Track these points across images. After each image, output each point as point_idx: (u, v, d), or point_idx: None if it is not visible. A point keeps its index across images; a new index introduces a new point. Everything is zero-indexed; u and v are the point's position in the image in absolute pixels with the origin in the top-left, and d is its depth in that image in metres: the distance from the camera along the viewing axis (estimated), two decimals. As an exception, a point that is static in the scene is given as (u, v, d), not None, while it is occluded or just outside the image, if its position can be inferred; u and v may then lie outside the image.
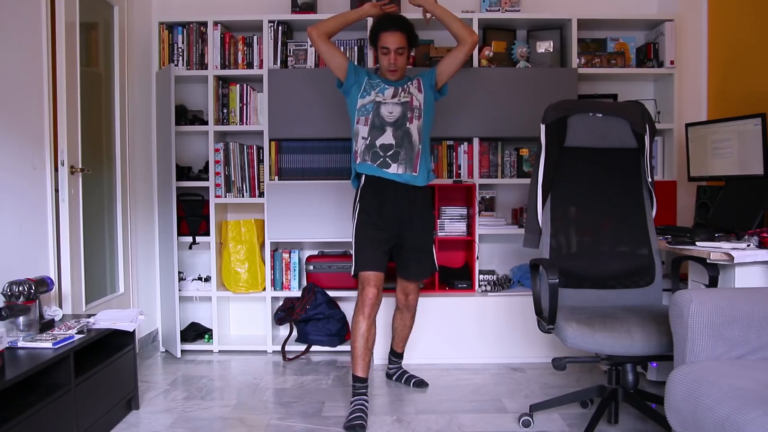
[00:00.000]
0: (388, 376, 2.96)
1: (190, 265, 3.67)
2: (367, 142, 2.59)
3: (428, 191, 2.72)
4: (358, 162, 2.62)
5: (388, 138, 2.57)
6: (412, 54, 3.40)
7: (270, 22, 3.38)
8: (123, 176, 3.24)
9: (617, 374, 2.23)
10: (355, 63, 2.76)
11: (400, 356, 2.96)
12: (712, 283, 2.10)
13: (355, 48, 3.41)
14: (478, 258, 3.32)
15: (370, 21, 3.34)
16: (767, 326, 1.68)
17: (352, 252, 2.57)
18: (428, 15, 2.69)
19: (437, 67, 2.69)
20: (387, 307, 2.97)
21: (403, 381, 2.88)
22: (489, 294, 3.25)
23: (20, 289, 2.15)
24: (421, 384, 2.83)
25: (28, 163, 2.45)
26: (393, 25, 2.59)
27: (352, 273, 2.56)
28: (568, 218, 2.39)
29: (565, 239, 2.38)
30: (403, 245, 2.64)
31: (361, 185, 2.63)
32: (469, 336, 3.19)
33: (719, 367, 1.59)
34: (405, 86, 2.63)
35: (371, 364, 3.11)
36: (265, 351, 3.43)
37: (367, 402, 2.46)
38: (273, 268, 3.46)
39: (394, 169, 2.56)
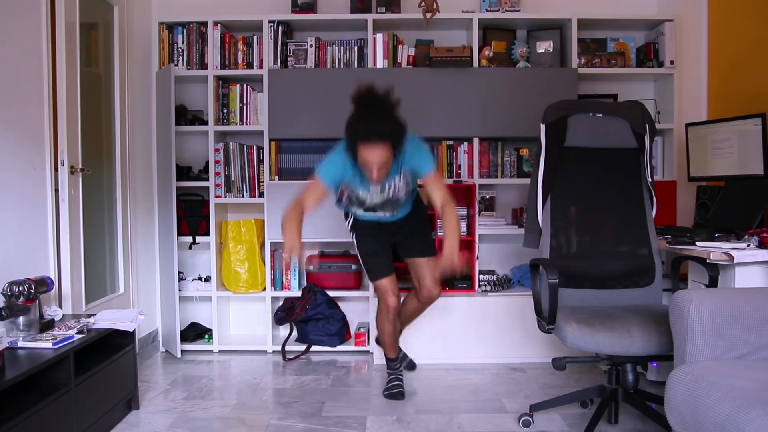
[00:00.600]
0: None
1: (190, 265, 3.67)
2: (358, 213, 2.63)
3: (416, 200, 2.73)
4: (343, 204, 2.64)
5: (379, 214, 2.61)
6: (411, 54, 3.42)
7: (270, 22, 3.38)
8: (123, 176, 3.24)
9: (617, 374, 2.23)
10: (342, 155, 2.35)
11: (399, 332, 2.93)
12: (712, 283, 2.10)
13: (355, 48, 3.41)
14: (478, 258, 3.31)
15: (370, 32, 3.35)
16: (767, 326, 1.68)
17: (361, 264, 2.73)
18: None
19: (425, 181, 2.40)
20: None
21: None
22: (489, 294, 3.25)
23: (20, 289, 2.15)
24: (410, 366, 3.05)
25: (28, 163, 2.45)
26: (373, 134, 2.16)
27: (370, 281, 2.72)
28: (568, 218, 2.39)
29: (565, 239, 2.38)
30: (402, 241, 2.73)
31: (350, 217, 2.71)
32: (469, 336, 3.19)
33: (719, 367, 1.59)
34: (391, 183, 2.44)
35: (372, 363, 3.13)
36: (265, 351, 3.43)
37: (402, 375, 2.79)
38: (273, 268, 3.46)
39: (382, 215, 2.60)
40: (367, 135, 2.16)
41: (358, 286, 3.46)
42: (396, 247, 2.76)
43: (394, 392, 2.67)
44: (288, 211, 2.34)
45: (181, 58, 3.42)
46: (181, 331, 3.41)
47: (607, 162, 2.41)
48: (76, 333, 2.17)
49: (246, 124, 3.45)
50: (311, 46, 3.41)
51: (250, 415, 2.51)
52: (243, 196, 3.44)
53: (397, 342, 2.84)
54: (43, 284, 2.26)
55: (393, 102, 2.26)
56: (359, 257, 2.72)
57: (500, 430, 2.33)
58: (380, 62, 3.35)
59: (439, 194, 2.37)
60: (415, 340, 3.14)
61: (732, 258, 2.02)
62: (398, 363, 2.85)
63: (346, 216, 2.74)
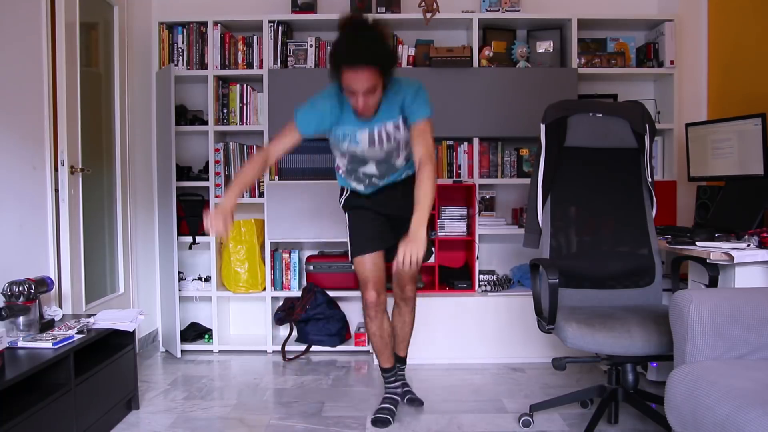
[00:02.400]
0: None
1: (190, 265, 3.67)
2: (349, 168, 2.38)
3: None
4: (341, 175, 2.45)
5: (371, 168, 2.34)
6: (411, 54, 3.42)
7: (270, 22, 3.38)
8: (123, 176, 3.24)
9: (617, 374, 2.23)
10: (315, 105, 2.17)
11: (403, 361, 2.68)
12: (712, 283, 2.10)
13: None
14: (478, 258, 3.31)
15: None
16: (767, 326, 1.68)
17: (347, 242, 2.42)
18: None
19: (413, 127, 2.15)
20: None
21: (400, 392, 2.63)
22: (489, 294, 3.25)
23: (20, 289, 2.15)
24: (413, 402, 2.59)
25: (28, 163, 2.45)
26: (358, 57, 1.94)
27: (349, 259, 2.42)
28: (568, 218, 2.39)
29: (565, 239, 2.38)
30: (394, 216, 2.40)
31: (344, 193, 2.49)
32: (469, 336, 3.19)
33: (719, 367, 1.59)
34: (381, 128, 2.19)
35: (372, 363, 3.12)
36: (265, 351, 3.43)
37: (395, 393, 2.53)
38: (273, 268, 3.46)
39: (381, 183, 2.39)
40: (351, 56, 1.93)
41: (358, 286, 3.45)
42: (389, 225, 2.41)
43: (379, 417, 2.38)
44: (246, 164, 2.10)
45: (181, 58, 3.42)
46: (181, 331, 3.41)
47: (607, 162, 2.41)
48: (76, 333, 2.17)
49: (246, 124, 3.46)
50: (311, 46, 3.41)
51: (250, 415, 2.51)
52: (243, 196, 3.43)
53: (389, 349, 2.50)
54: (43, 284, 2.26)
55: (381, 27, 2.01)
56: (347, 235, 2.44)
57: (500, 430, 2.33)
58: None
59: (423, 146, 2.07)
60: (415, 340, 3.13)
61: (732, 258, 2.02)
62: (393, 375, 2.54)
63: (341, 194, 2.52)
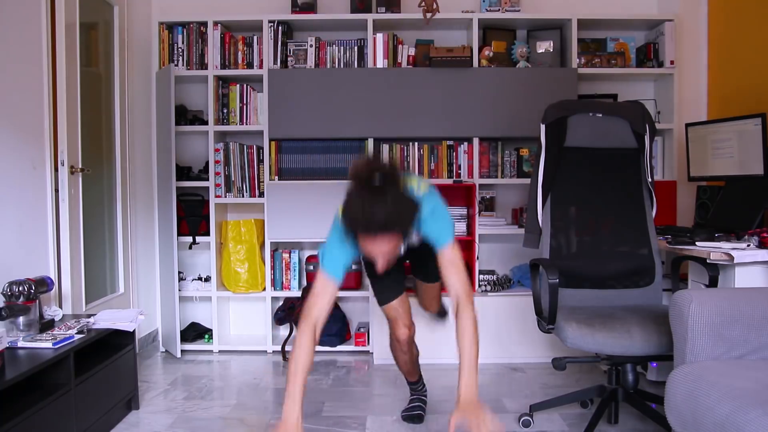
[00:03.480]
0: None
1: (190, 265, 3.67)
2: None
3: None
4: None
5: None
6: (411, 54, 3.42)
7: (270, 22, 3.38)
8: (123, 176, 3.24)
9: (617, 374, 2.23)
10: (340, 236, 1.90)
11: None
12: (712, 283, 2.10)
13: (355, 48, 3.41)
14: (478, 258, 3.31)
15: (370, 32, 3.35)
16: (767, 326, 1.68)
17: (371, 288, 2.39)
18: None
19: (439, 255, 1.92)
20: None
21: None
22: (489, 294, 3.25)
23: (20, 289, 2.15)
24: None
25: (28, 162, 2.45)
26: (376, 226, 1.66)
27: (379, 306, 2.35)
28: (568, 218, 2.39)
29: (565, 239, 2.38)
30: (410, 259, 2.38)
31: None
32: (469, 336, 3.19)
33: (719, 367, 1.59)
34: (401, 249, 2.04)
35: (372, 363, 3.11)
36: (265, 351, 3.43)
37: (423, 395, 2.54)
38: (273, 268, 3.46)
39: None
40: (368, 226, 1.67)
41: (358, 286, 3.46)
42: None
43: (413, 414, 2.44)
44: (296, 346, 1.77)
45: (181, 58, 3.42)
46: (181, 331, 3.41)
47: (607, 162, 2.41)
48: (76, 333, 2.17)
49: (246, 124, 3.45)
50: (311, 46, 3.41)
51: (250, 415, 2.51)
52: (243, 196, 3.44)
53: (417, 366, 2.48)
54: (43, 284, 2.26)
55: (398, 177, 1.74)
56: (370, 282, 2.39)
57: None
58: (380, 62, 3.36)
59: (458, 283, 1.87)
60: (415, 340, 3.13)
61: (732, 258, 2.02)
62: (421, 384, 2.56)
63: None
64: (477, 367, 1.78)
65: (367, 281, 3.29)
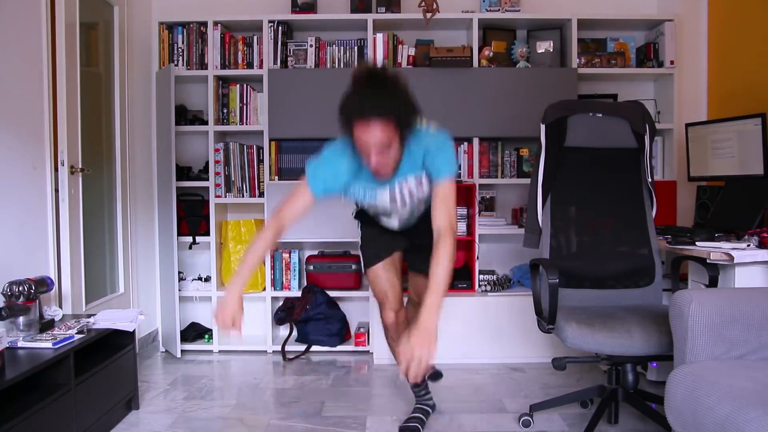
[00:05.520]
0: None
1: (190, 265, 3.67)
2: (369, 213, 2.25)
3: None
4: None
5: (392, 222, 2.21)
6: (411, 54, 3.42)
7: (270, 22, 3.38)
8: (123, 176, 3.24)
9: (617, 374, 2.23)
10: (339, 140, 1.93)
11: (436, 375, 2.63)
12: (712, 283, 2.10)
13: (355, 48, 3.41)
14: (478, 258, 3.31)
15: (370, 32, 3.36)
16: (767, 326, 1.68)
17: (359, 253, 2.33)
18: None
19: (434, 187, 1.90)
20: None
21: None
22: (489, 294, 3.25)
23: (20, 289, 2.15)
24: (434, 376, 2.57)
25: (28, 162, 2.45)
26: (369, 106, 1.67)
27: (363, 272, 2.31)
28: (568, 218, 2.39)
29: (565, 239, 2.38)
30: (410, 245, 2.33)
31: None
32: (469, 336, 3.19)
33: (719, 367, 1.59)
34: (403, 185, 1.98)
35: (372, 363, 3.11)
36: (265, 351, 3.43)
37: (427, 405, 2.44)
38: (273, 268, 3.46)
39: (388, 221, 2.24)
40: (362, 108, 1.67)
41: (358, 286, 3.46)
42: (404, 250, 2.35)
43: (408, 426, 2.31)
44: (257, 239, 1.86)
45: (181, 58, 3.42)
46: (181, 331, 3.41)
47: (607, 162, 2.41)
48: (76, 333, 2.17)
49: (246, 124, 3.45)
50: (311, 46, 3.41)
51: (250, 415, 2.51)
52: (243, 196, 3.44)
53: None
54: (43, 284, 2.26)
55: (398, 77, 1.76)
56: (359, 246, 2.35)
57: (500, 430, 2.33)
58: (380, 62, 3.35)
59: (444, 216, 1.83)
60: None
61: (732, 258, 2.02)
62: (423, 389, 2.44)
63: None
64: (443, 293, 1.74)
65: (367, 281, 3.28)
